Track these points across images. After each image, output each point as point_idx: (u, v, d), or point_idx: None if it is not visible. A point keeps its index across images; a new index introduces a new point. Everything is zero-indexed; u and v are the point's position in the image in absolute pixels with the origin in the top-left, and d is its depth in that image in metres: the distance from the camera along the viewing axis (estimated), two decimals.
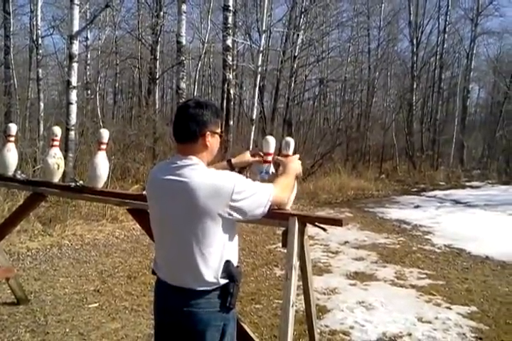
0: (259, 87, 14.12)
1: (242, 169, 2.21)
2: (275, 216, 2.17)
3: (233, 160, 2.18)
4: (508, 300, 4.64)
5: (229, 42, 12.98)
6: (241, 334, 2.29)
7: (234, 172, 1.81)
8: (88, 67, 16.31)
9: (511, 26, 36.81)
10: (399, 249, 6.78)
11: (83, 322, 3.75)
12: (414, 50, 24.28)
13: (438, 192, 13.80)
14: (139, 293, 4.52)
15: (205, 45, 15.10)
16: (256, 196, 1.71)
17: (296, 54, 15.94)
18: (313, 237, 7.37)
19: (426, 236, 7.79)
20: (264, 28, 13.23)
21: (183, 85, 13.01)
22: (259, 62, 13.34)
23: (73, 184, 2.81)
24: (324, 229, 2.19)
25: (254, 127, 13.55)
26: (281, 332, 2.01)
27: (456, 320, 4.03)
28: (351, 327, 3.79)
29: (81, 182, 2.81)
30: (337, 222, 2.07)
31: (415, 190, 14.55)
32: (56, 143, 3.02)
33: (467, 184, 15.57)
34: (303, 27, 15.63)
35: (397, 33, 25.87)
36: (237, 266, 1.76)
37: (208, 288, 1.66)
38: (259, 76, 13.52)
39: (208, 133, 1.73)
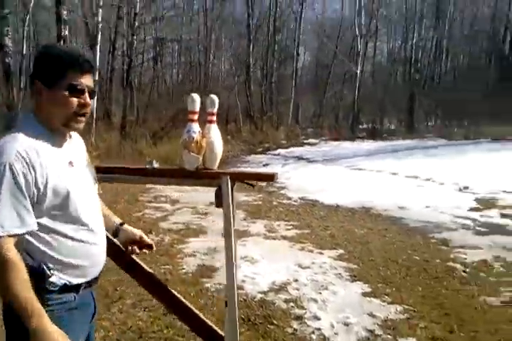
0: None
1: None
2: (204, 175, 2.13)
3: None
4: (365, 241, 5.30)
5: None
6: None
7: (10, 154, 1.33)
8: None
9: None
10: (262, 205, 7.17)
11: None
12: (250, 11, 24.89)
13: (281, 150, 14.75)
14: None
15: None
16: None
17: (137, 10, 15.11)
18: (179, 201, 7.37)
19: (281, 191, 8.34)
20: None
21: (8, 42, 11.53)
22: (100, 18, 12.36)
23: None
24: (253, 186, 2.21)
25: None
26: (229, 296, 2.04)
27: (330, 263, 4.48)
28: (243, 281, 3.95)
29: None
30: (269, 177, 2.11)
31: (260, 149, 15.32)
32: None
33: (305, 141, 16.91)
34: None
35: None
36: None
37: None
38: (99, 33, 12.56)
39: (36, 81, 1.43)
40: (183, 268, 4.31)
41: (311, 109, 22.83)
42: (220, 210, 2.10)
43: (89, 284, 1.53)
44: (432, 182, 8.97)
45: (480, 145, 14.09)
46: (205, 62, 24.60)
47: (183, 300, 2.23)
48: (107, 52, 15.86)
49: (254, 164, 11.88)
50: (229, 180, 2.08)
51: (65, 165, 1.45)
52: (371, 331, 3.15)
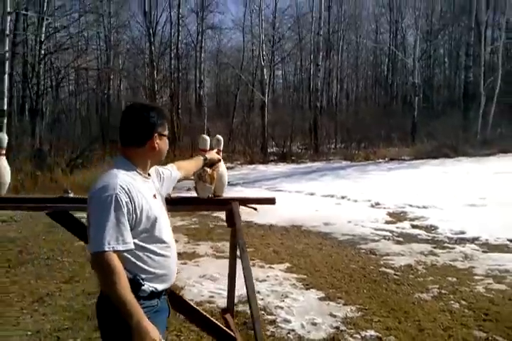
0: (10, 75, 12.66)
1: (212, 166, 2.48)
2: (218, 202, 2.55)
3: (207, 156, 2.42)
4: (306, 254, 5.87)
5: None
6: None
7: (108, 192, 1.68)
8: None
9: (230, 22, 41.49)
10: (200, 228, 7.49)
11: None
12: (152, 39, 25.25)
13: None
14: None
15: None
16: (93, 228, 1.67)
17: (42, 39, 14.82)
18: None
19: (213, 214, 8.68)
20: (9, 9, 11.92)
21: None
22: (6, 48, 11.99)
23: None
24: (255, 209, 2.65)
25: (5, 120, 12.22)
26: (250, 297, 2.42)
27: (283, 275, 4.96)
28: (211, 296, 4.29)
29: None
30: (271, 201, 2.56)
31: None
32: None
33: None
34: (50, 12, 14.64)
35: (129, 20, 26.48)
36: None
37: None
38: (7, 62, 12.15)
39: (156, 135, 1.83)
40: None
41: (224, 135, 23.49)
42: None
43: (166, 291, 1.88)
44: (348, 200, 9.89)
45: (380, 165, 15.62)
46: (108, 90, 24.58)
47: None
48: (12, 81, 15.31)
49: (177, 189, 12.09)
50: (238, 205, 2.53)
51: (151, 197, 1.84)
52: (337, 327, 3.66)
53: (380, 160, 17.13)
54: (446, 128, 17.88)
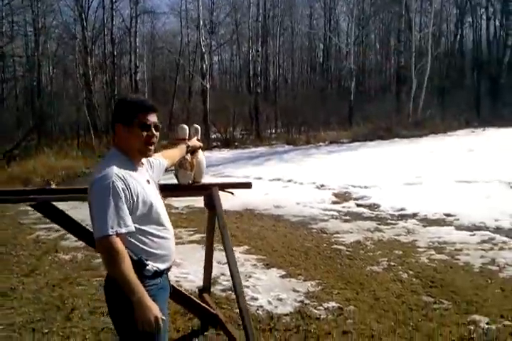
0: None
1: (193, 153, 2.59)
2: (198, 187, 2.69)
3: (190, 143, 2.53)
4: (262, 236, 6.11)
5: None
6: None
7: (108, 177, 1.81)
8: None
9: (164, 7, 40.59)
10: None
11: None
12: (84, 24, 24.35)
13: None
14: None
15: None
16: (95, 215, 1.80)
17: None
18: None
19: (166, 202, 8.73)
20: None
21: None
22: None
23: None
24: (232, 193, 2.81)
25: None
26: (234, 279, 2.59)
27: (243, 257, 5.16)
28: (177, 281, 4.42)
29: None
30: (247, 185, 2.73)
31: None
32: None
33: None
34: None
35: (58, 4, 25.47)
36: None
37: None
38: None
39: (119, 125, 1.94)
40: None
41: (160, 121, 23.14)
42: None
43: (168, 269, 2.02)
44: (294, 183, 10.23)
45: (321, 149, 16.14)
46: (39, 76, 23.50)
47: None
48: None
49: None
50: (217, 189, 2.68)
51: (145, 183, 1.97)
52: (301, 301, 3.93)
53: (321, 144, 17.67)
54: (380, 112, 18.74)
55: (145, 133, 1.94)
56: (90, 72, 23.07)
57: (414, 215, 7.08)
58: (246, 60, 27.68)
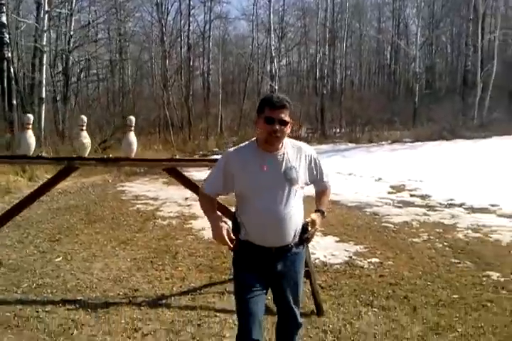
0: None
1: None
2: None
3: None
4: None
5: (4, 19, 12.60)
6: None
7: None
8: None
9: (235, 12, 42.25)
10: None
11: None
12: (164, 30, 26.30)
13: (217, 157, 16.31)
14: None
15: None
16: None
17: (72, 33, 16.03)
18: (158, 198, 8.73)
19: None
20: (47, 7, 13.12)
21: None
22: (44, 42, 13.20)
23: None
24: None
25: (44, 106, 13.48)
26: None
27: None
28: None
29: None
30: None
31: (197, 156, 16.81)
32: (84, 127, 3.81)
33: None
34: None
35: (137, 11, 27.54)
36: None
37: None
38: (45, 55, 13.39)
39: (256, 117, 2.32)
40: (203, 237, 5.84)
41: (229, 119, 24.62)
42: None
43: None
44: (354, 176, 11.17)
45: (383, 147, 16.87)
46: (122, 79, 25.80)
47: None
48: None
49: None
50: None
51: (257, 168, 2.28)
52: (350, 257, 4.99)
53: (383, 143, 18.35)
54: (445, 113, 19.04)
55: (269, 126, 2.23)
56: (168, 74, 24.99)
57: (461, 204, 7.84)
58: (313, 62, 28.61)
